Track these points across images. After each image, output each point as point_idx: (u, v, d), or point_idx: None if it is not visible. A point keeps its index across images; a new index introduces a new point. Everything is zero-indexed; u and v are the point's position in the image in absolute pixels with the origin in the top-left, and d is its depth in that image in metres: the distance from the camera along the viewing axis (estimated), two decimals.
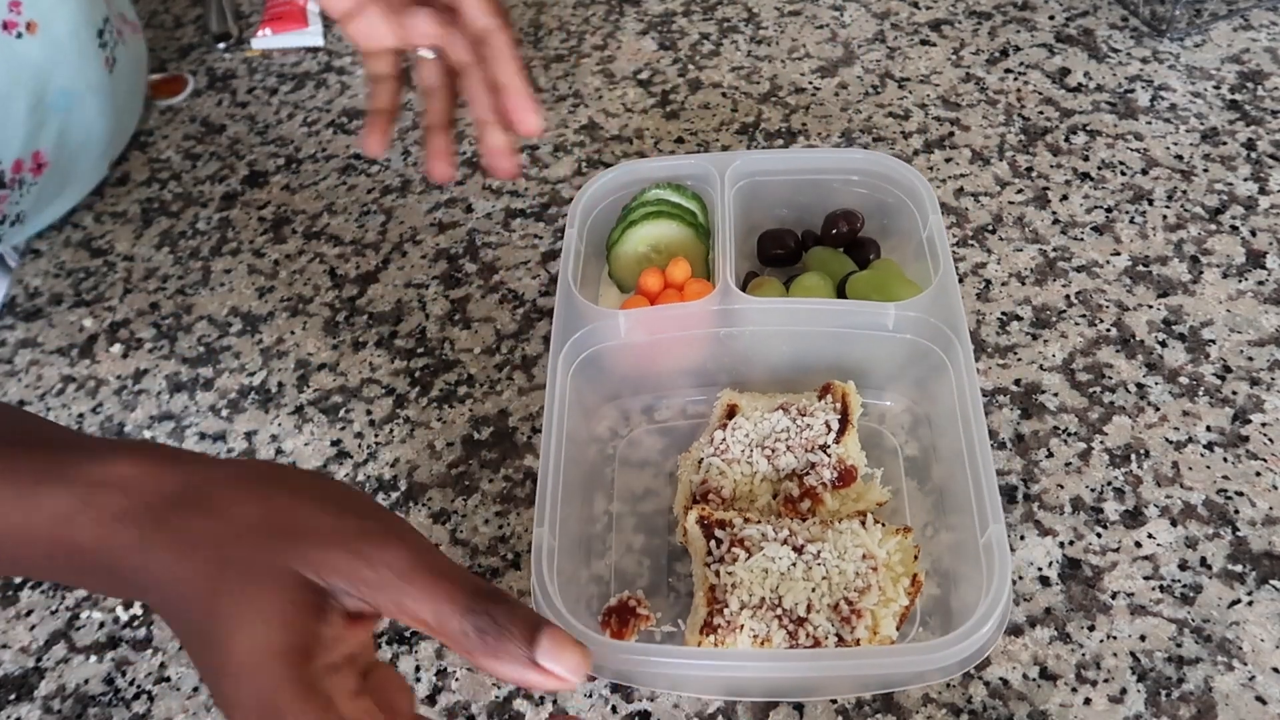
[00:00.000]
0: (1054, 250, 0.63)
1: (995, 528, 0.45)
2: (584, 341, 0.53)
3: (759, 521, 0.48)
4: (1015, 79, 0.74)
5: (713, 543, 0.48)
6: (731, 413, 0.54)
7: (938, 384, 0.53)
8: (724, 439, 0.52)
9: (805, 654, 0.44)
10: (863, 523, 0.48)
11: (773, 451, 0.51)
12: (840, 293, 0.57)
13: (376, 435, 0.59)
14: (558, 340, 0.53)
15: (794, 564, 0.46)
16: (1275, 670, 0.47)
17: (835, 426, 0.52)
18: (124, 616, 0.53)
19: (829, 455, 0.51)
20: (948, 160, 0.69)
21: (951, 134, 0.71)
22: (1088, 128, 0.70)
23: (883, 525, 0.49)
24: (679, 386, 0.58)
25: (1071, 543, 0.51)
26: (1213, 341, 0.58)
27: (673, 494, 0.54)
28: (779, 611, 0.45)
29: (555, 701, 0.48)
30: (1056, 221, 0.65)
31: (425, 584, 0.36)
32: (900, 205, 0.59)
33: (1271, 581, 0.49)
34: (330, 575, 0.36)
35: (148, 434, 0.61)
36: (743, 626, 0.45)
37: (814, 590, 0.46)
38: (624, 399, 0.58)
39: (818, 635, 0.45)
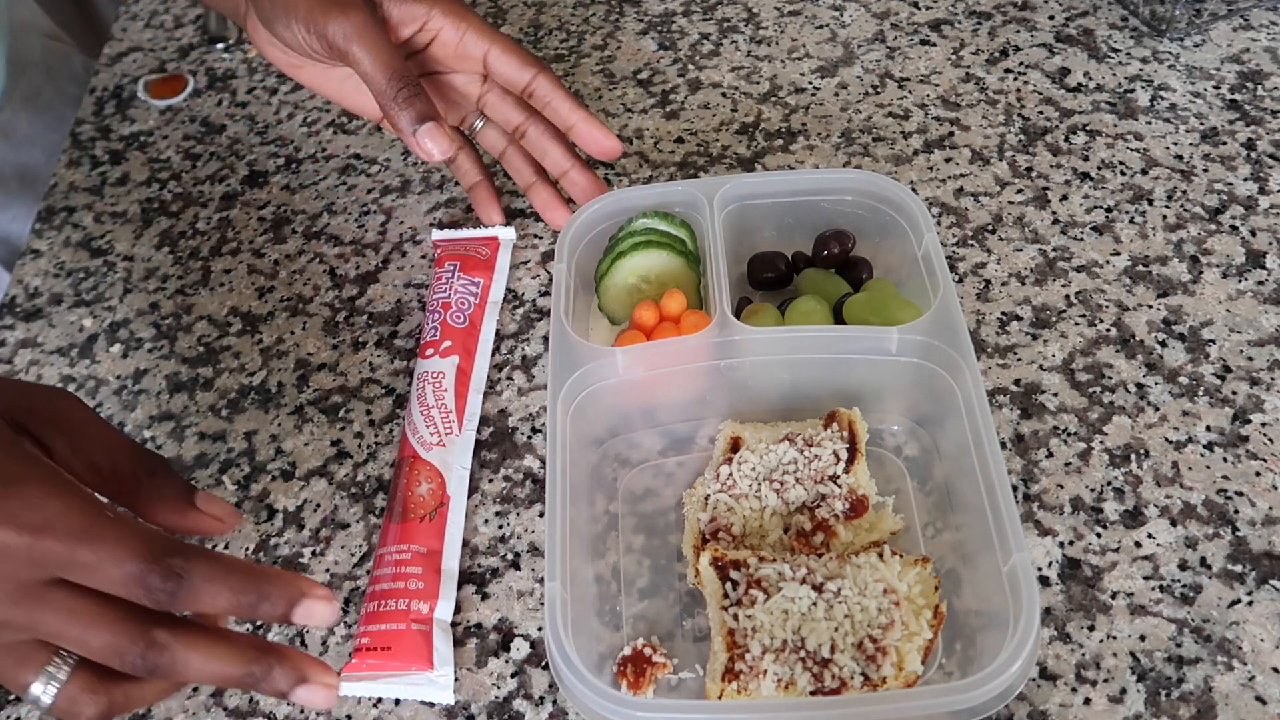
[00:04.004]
0: (1054, 250, 0.63)
1: (1019, 556, 0.44)
2: (582, 381, 0.52)
3: (774, 560, 0.47)
4: (1015, 79, 0.74)
5: (728, 585, 0.47)
6: (735, 446, 0.53)
7: (945, 407, 0.52)
8: (730, 474, 0.51)
9: (834, 701, 0.43)
10: (880, 555, 0.47)
11: (781, 485, 0.50)
12: (837, 316, 0.56)
13: (376, 435, 0.59)
14: (555, 382, 0.51)
15: (814, 603, 0.45)
16: (1275, 670, 0.47)
17: (844, 456, 0.51)
18: None
19: (839, 486, 0.50)
20: (948, 160, 0.69)
21: (951, 134, 0.71)
22: (1088, 128, 0.70)
23: (900, 557, 0.48)
24: (679, 420, 0.56)
25: (1071, 543, 0.51)
26: (1213, 341, 0.58)
27: (681, 533, 0.53)
28: (802, 654, 0.44)
29: (555, 702, 0.48)
30: (1056, 221, 0.65)
31: (99, 432, 0.43)
32: (893, 223, 0.58)
33: (1271, 581, 0.49)
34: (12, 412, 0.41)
35: (147, 434, 0.61)
36: (765, 671, 0.44)
37: (837, 629, 0.45)
38: (624, 435, 0.56)
39: (843, 676, 0.44)
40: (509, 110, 0.61)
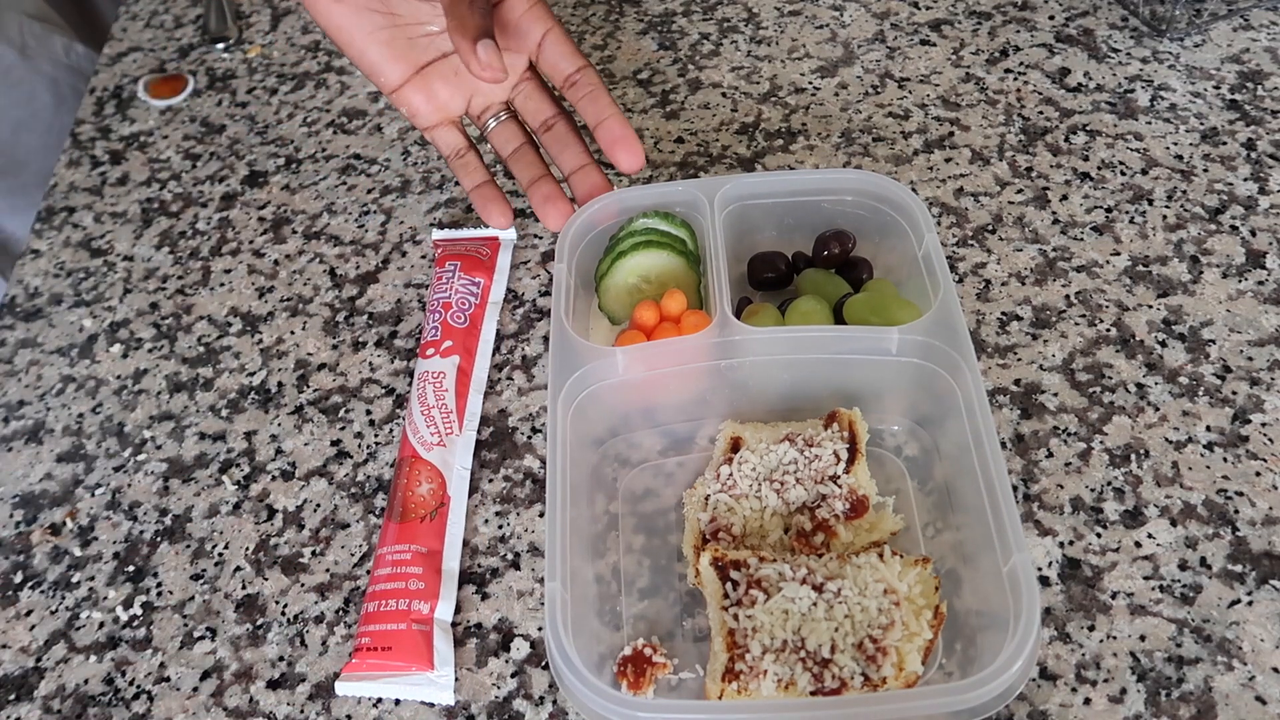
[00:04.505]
0: (1054, 250, 0.63)
1: (1019, 556, 0.44)
2: (583, 381, 0.52)
3: (775, 560, 0.47)
4: (1015, 79, 0.74)
5: (729, 585, 0.47)
6: (735, 446, 0.53)
7: (945, 407, 0.52)
8: (730, 474, 0.51)
9: (834, 702, 0.43)
10: (880, 555, 0.47)
11: (781, 485, 0.50)
12: (837, 316, 0.56)
13: (376, 435, 0.59)
14: (556, 382, 0.51)
15: (814, 603, 0.45)
16: (1275, 670, 0.47)
17: (844, 456, 0.51)
18: (124, 616, 0.53)
19: (840, 486, 0.50)
20: (948, 160, 0.69)
21: (951, 134, 0.71)
22: (1088, 128, 0.70)
23: (900, 557, 0.48)
24: (679, 420, 0.56)
25: (1071, 543, 0.51)
26: (1213, 341, 0.58)
27: (681, 533, 0.53)
28: (802, 654, 0.44)
29: (555, 702, 0.48)
30: (1056, 221, 0.65)
31: None
32: (893, 223, 0.58)
33: (1271, 581, 0.49)
34: None
35: (147, 434, 0.61)
36: (766, 671, 0.44)
37: (837, 630, 0.45)
38: (624, 435, 0.56)
39: (843, 676, 0.44)
40: (542, 102, 0.60)
